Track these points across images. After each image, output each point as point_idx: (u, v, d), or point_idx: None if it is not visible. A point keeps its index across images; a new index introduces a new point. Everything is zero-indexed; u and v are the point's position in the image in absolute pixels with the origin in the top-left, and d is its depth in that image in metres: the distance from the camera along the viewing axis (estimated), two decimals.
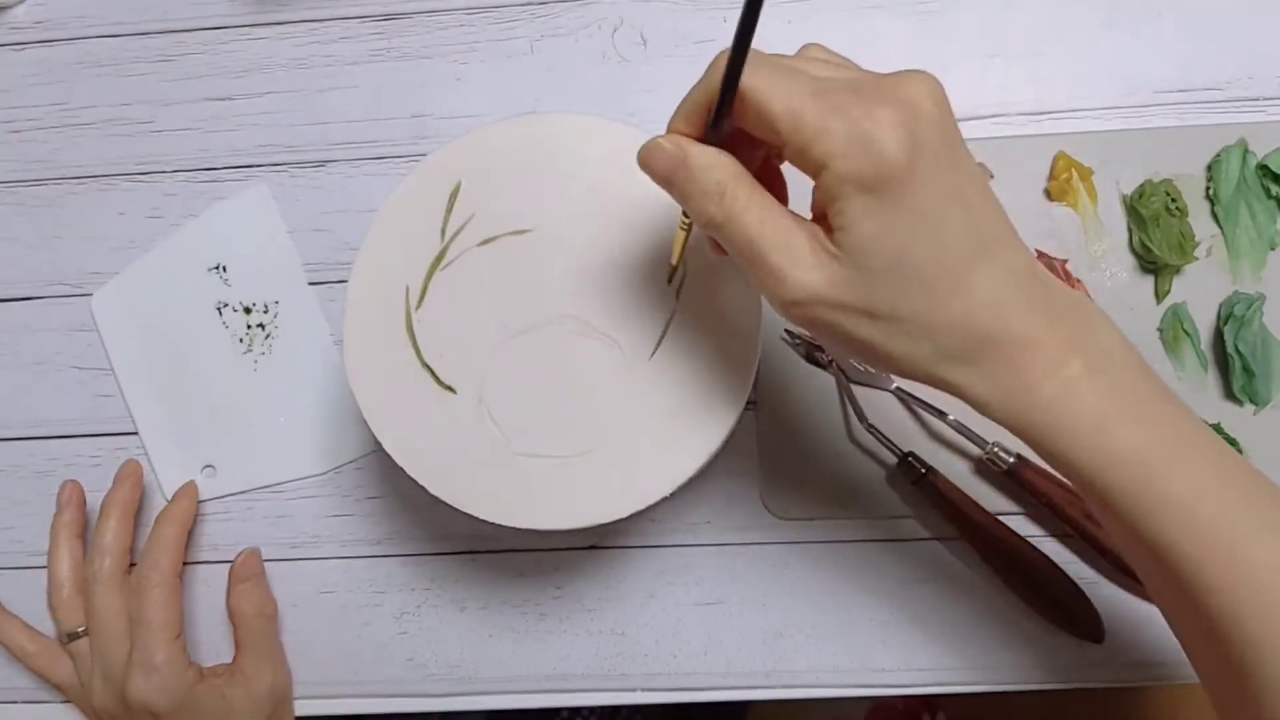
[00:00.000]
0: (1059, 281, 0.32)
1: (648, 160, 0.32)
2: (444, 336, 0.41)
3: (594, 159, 0.41)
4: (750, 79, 0.29)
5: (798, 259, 0.30)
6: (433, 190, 0.41)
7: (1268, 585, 0.29)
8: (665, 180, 0.32)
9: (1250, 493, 0.31)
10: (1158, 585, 0.34)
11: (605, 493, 0.39)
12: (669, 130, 0.32)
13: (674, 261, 0.38)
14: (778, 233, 0.30)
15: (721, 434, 0.39)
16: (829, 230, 0.30)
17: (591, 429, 0.40)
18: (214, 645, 0.51)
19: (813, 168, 0.29)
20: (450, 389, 0.40)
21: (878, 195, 0.28)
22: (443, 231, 0.41)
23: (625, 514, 0.39)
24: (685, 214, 0.35)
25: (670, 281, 0.40)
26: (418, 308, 0.41)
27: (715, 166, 0.30)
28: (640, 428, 0.39)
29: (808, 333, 0.32)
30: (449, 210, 0.41)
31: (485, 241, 0.41)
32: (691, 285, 0.40)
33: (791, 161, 0.30)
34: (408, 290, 0.41)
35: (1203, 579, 0.30)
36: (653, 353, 0.40)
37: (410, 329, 0.41)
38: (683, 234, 0.36)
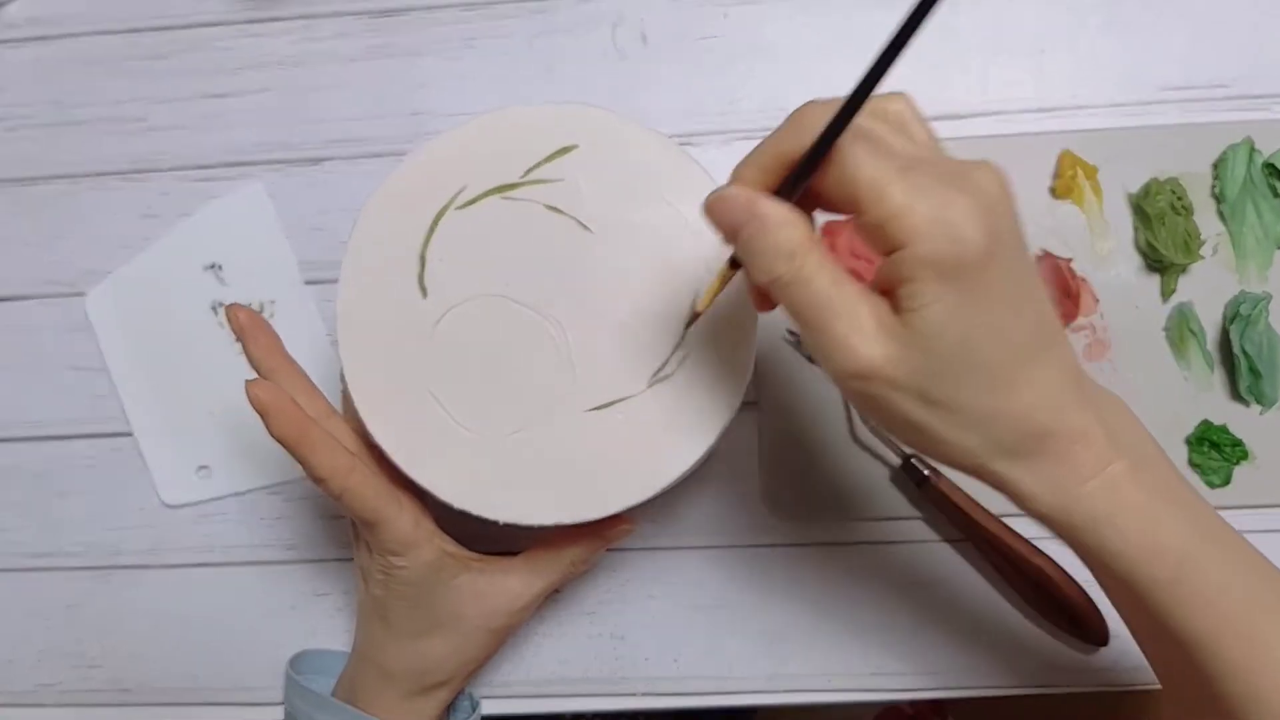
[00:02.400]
0: (1091, 377, 0.33)
1: (714, 208, 0.31)
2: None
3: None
4: (845, 142, 0.29)
5: (863, 331, 0.29)
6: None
7: None
8: (731, 231, 0.31)
9: (1272, 580, 0.32)
10: (1177, 674, 0.35)
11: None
12: (735, 178, 0.32)
13: (700, 308, 0.37)
14: (846, 301, 0.30)
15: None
16: (898, 310, 0.29)
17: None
18: (209, 648, 0.50)
19: (887, 245, 0.29)
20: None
21: (954, 281, 0.28)
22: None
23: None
24: (732, 263, 0.34)
25: (688, 327, 0.39)
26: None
27: (790, 224, 0.30)
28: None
29: (859, 406, 0.32)
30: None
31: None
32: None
33: (862, 234, 0.30)
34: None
35: (1226, 666, 0.31)
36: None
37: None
38: (718, 284, 0.36)
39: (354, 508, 0.39)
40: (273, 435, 0.38)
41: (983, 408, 0.30)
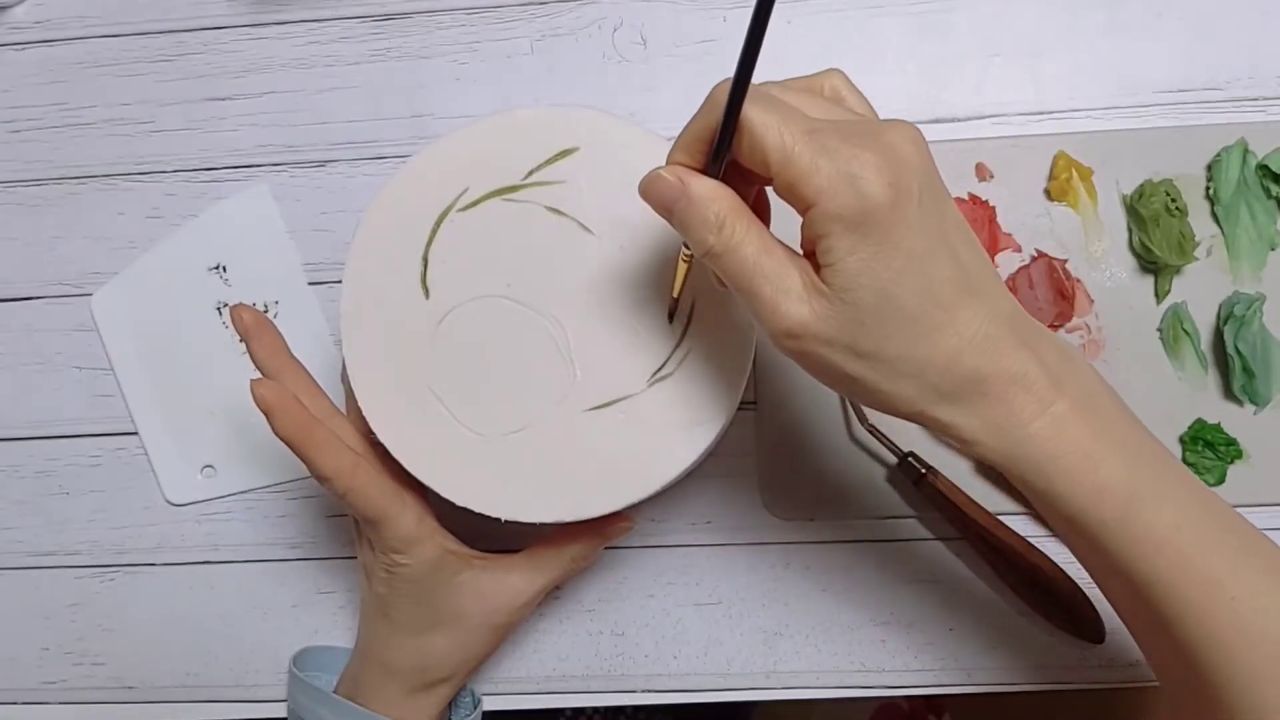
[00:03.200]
0: (1038, 323, 0.33)
1: (648, 190, 0.32)
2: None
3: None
4: (749, 112, 0.30)
5: (790, 292, 0.30)
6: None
7: (1245, 615, 0.31)
8: (666, 210, 0.32)
9: (1227, 524, 0.32)
10: (1134, 615, 0.35)
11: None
12: (669, 161, 0.33)
13: (675, 294, 0.38)
14: (773, 265, 0.31)
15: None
16: (817, 267, 0.30)
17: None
18: (212, 646, 0.51)
19: (801, 204, 0.30)
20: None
21: (862, 234, 0.29)
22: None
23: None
24: (686, 247, 0.35)
25: (672, 317, 0.40)
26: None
27: (715, 199, 0.31)
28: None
29: (801, 365, 0.32)
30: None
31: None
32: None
33: (781, 196, 0.31)
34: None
35: (1180, 608, 0.31)
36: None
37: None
38: (684, 266, 0.37)
39: (358, 506, 0.39)
40: (277, 434, 0.38)
41: (911, 356, 0.30)
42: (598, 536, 0.44)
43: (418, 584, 0.42)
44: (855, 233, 0.29)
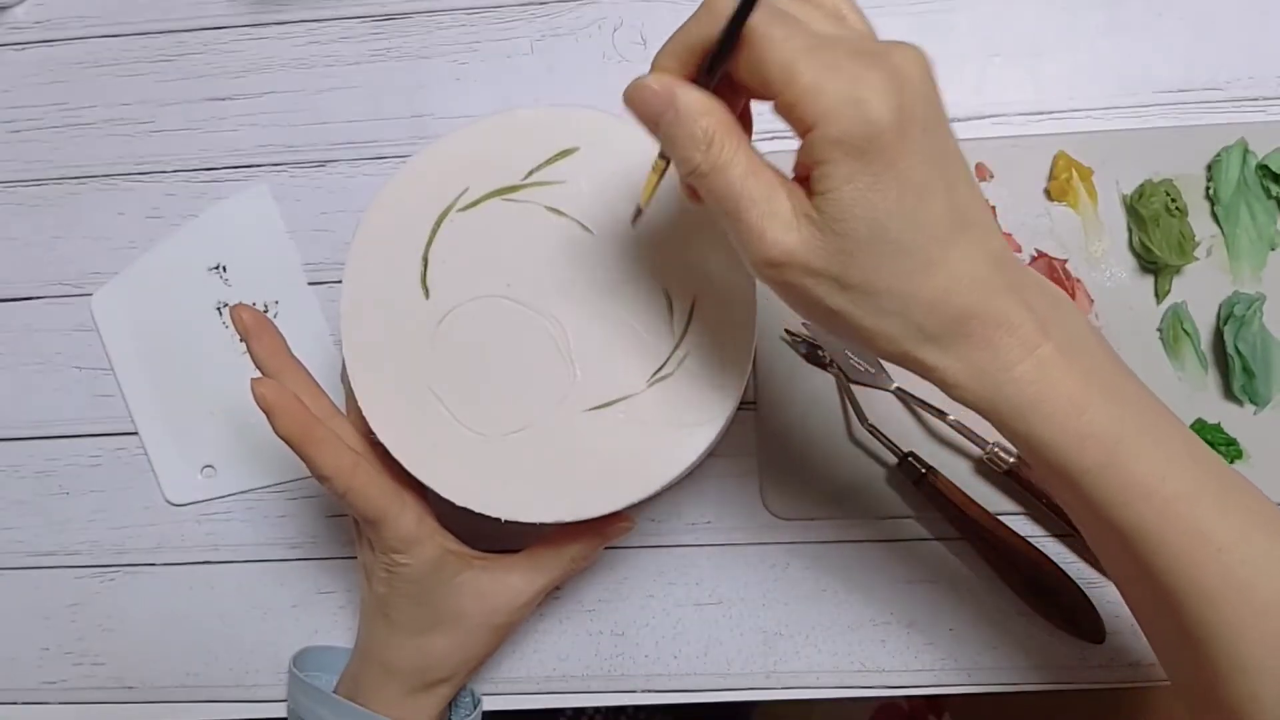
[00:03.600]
0: (1026, 265, 0.32)
1: (633, 99, 0.30)
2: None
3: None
4: (756, 23, 0.28)
5: (778, 218, 0.29)
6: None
7: (1231, 567, 0.30)
8: (651, 121, 0.30)
9: (1216, 475, 0.31)
10: (1119, 566, 0.34)
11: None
12: (655, 68, 0.31)
13: (642, 204, 0.36)
14: (761, 189, 0.29)
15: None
16: (810, 194, 0.29)
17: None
18: (212, 646, 0.51)
19: (801, 126, 0.28)
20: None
21: (864, 161, 0.27)
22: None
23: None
24: (661, 156, 0.33)
25: (634, 223, 0.38)
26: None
27: (705, 113, 0.29)
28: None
29: (781, 295, 0.31)
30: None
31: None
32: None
33: (780, 115, 0.29)
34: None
35: (1167, 559, 0.30)
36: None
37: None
38: (654, 176, 0.35)
39: (358, 506, 0.39)
40: (278, 433, 0.38)
41: (899, 291, 0.29)
42: (598, 537, 0.43)
43: (418, 584, 0.42)
44: (856, 160, 0.27)
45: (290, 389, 0.39)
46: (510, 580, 0.43)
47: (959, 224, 0.29)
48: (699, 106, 0.29)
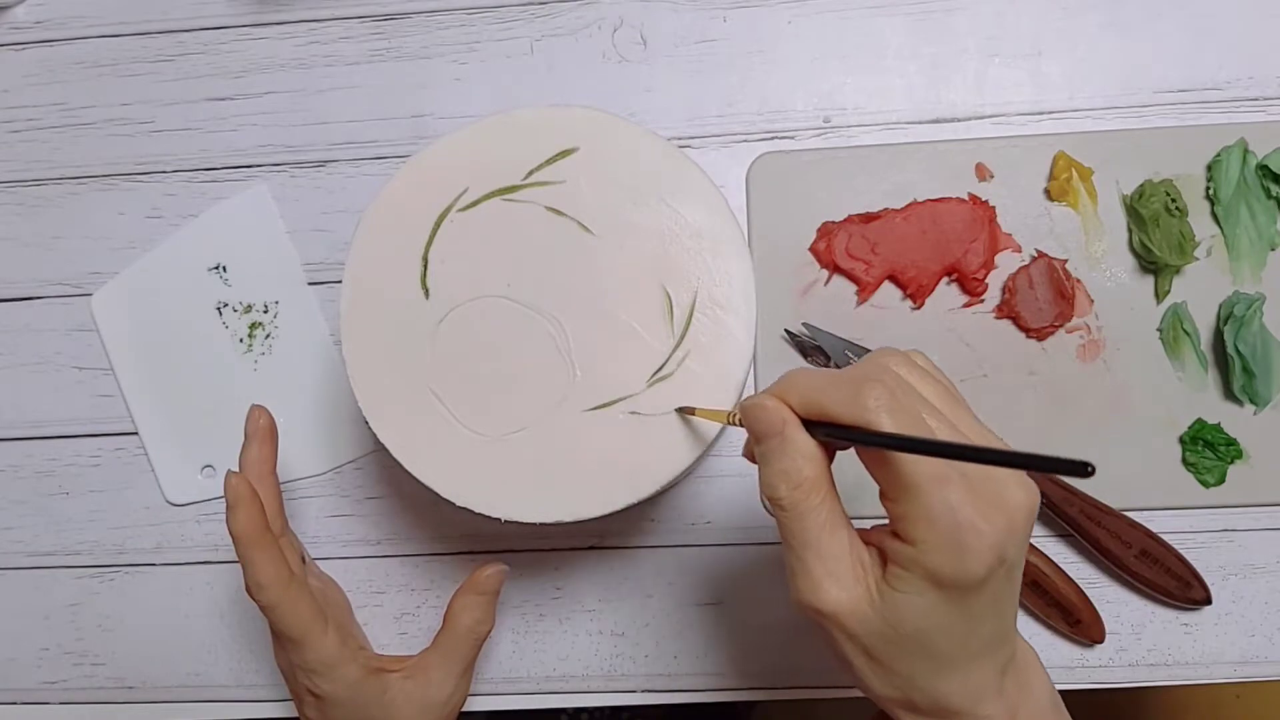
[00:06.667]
0: (1011, 641, 0.33)
1: (750, 414, 0.32)
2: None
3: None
4: (902, 457, 0.29)
5: (838, 577, 0.31)
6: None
7: None
8: (756, 438, 0.32)
9: None
10: None
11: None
12: (778, 390, 0.32)
13: (694, 413, 0.39)
14: (830, 547, 0.31)
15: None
16: (882, 561, 0.31)
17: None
18: (212, 647, 0.51)
19: (902, 534, 0.30)
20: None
21: (943, 591, 0.29)
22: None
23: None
24: (738, 420, 0.35)
25: (681, 415, 0.40)
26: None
27: (807, 458, 0.31)
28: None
29: (809, 621, 0.33)
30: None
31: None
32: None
33: (883, 505, 0.31)
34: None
35: None
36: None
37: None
38: (720, 418, 0.37)
39: (285, 621, 0.40)
40: (231, 528, 0.39)
41: (914, 678, 0.31)
42: (476, 595, 0.44)
43: (346, 706, 0.42)
44: (937, 589, 0.29)
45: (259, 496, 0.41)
46: (433, 677, 0.44)
47: (994, 645, 0.32)
48: (805, 450, 0.31)
